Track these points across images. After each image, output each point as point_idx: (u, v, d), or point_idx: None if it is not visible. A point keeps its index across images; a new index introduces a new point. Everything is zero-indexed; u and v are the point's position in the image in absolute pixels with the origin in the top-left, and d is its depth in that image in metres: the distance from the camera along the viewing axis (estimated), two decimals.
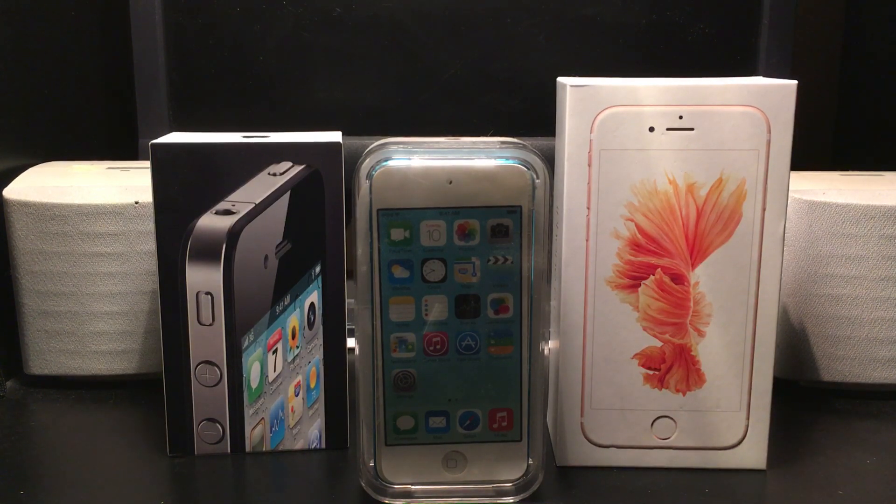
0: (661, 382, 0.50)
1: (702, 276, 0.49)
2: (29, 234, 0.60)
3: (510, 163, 0.43)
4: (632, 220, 0.48)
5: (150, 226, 0.60)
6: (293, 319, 0.51)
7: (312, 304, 0.52)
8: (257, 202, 0.49)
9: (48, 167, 0.66)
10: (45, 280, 0.60)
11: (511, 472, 0.47)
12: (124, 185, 0.61)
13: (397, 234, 0.43)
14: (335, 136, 0.51)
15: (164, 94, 0.72)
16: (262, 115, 0.74)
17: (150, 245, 0.60)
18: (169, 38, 0.72)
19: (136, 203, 0.60)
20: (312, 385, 0.53)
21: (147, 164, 0.62)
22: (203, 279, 0.48)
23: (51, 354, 0.61)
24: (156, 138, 0.50)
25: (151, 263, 0.60)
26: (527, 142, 0.44)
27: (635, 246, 0.48)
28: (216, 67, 0.73)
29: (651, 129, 0.47)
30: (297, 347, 0.52)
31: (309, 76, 0.73)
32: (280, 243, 0.50)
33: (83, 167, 0.66)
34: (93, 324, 0.61)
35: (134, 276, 0.60)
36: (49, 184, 0.61)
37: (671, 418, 0.50)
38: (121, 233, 0.60)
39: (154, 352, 0.61)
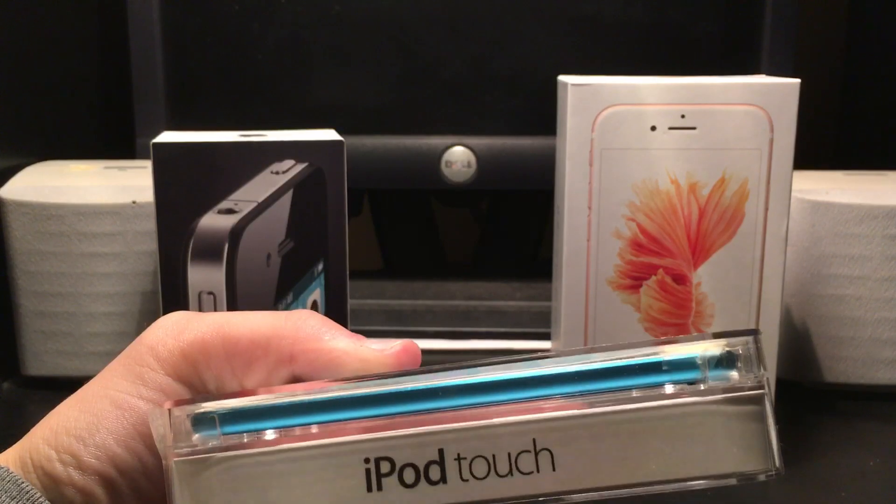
0: None
1: (704, 277, 0.48)
2: (26, 235, 0.59)
3: None
4: (633, 220, 0.48)
5: (148, 226, 0.59)
6: None
7: (315, 302, 0.51)
8: (260, 201, 0.48)
9: (45, 167, 0.66)
10: (42, 280, 0.60)
11: None
12: (121, 184, 0.61)
13: None
14: (332, 135, 0.51)
15: (162, 92, 0.72)
16: (259, 114, 0.74)
17: (148, 245, 0.60)
18: (166, 37, 0.72)
19: (134, 203, 0.59)
20: None
21: (144, 163, 0.62)
22: (205, 279, 0.48)
23: (48, 355, 0.61)
24: (153, 137, 0.49)
25: (149, 264, 0.60)
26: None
27: (637, 246, 0.48)
28: (214, 66, 0.73)
29: (653, 129, 0.47)
30: None
31: (307, 75, 0.73)
32: (283, 241, 0.50)
33: (80, 167, 0.66)
34: (90, 324, 0.60)
35: (131, 277, 0.60)
36: (46, 184, 0.61)
37: None
38: (118, 233, 0.59)
39: None
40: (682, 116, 0.47)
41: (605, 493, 0.26)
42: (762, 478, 0.26)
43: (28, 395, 0.61)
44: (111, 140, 0.80)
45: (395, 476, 0.26)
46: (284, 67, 0.73)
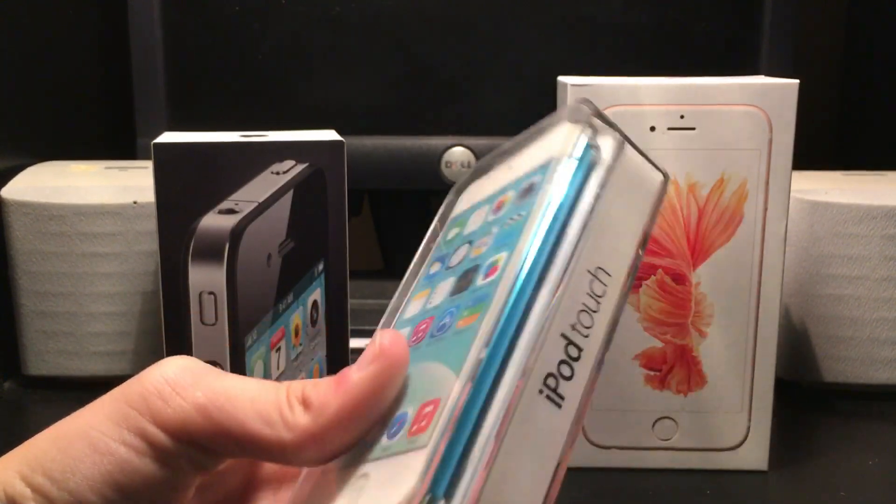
0: (662, 383, 0.50)
1: (703, 277, 0.48)
2: (27, 235, 0.59)
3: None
4: None
5: (149, 226, 0.59)
6: (296, 317, 0.51)
7: (315, 302, 0.51)
8: (260, 201, 0.49)
9: (46, 167, 0.66)
10: (44, 280, 0.60)
11: None
12: (122, 184, 0.61)
13: (452, 232, 0.37)
14: (332, 135, 0.51)
15: (162, 93, 0.72)
16: (260, 114, 0.74)
17: (149, 245, 0.60)
18: (167, 37, 0.72)
19: (135, 203, 0.59)
20: None
21: (145, 163, 0.62)
22: (206, 279, 0.48)
23: (49, 355, 0.61)
24: (154, 138, 0.49)
25: (150, 264, 0.60)
26: None
27: None
28: (214, 66, 0.73)
29: (652, 129, 0.47)
30: (301, 345, 0.52)
31: (307, 75, 0.73)
32: (283, 242, 0.50)
33: (81, 167, 0.66)
34: (91, 324, 0.60)
35: (132, 277, 0.60)
36: (47, 184, 0.61)
37: (672, 419, 0.50)
38: (119, 233, 0.59)
39: (153, 353, 0.61)
40: (682, 117, 0.47)
41: (634, 265, 0.30)
42: (666, 182, 0.31)
43: (29, 395, 0.62)
44: (112, 140, 0.81)
45: (561, 380, 0.27)
46: (284, 67, 0.73)
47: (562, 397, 0.27)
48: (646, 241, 0.30)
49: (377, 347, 0.28)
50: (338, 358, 0.52)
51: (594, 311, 0.28)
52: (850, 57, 0.92)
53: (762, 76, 0.52)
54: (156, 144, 0.48)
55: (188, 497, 0.29)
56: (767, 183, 0.47)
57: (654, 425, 0.50)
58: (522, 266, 0.28)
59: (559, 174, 0.29)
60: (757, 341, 0.49)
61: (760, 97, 0.47)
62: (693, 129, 0.47)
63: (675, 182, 0.48)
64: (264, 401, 0.28)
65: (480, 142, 0.72)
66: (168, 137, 0.50)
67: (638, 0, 0.71)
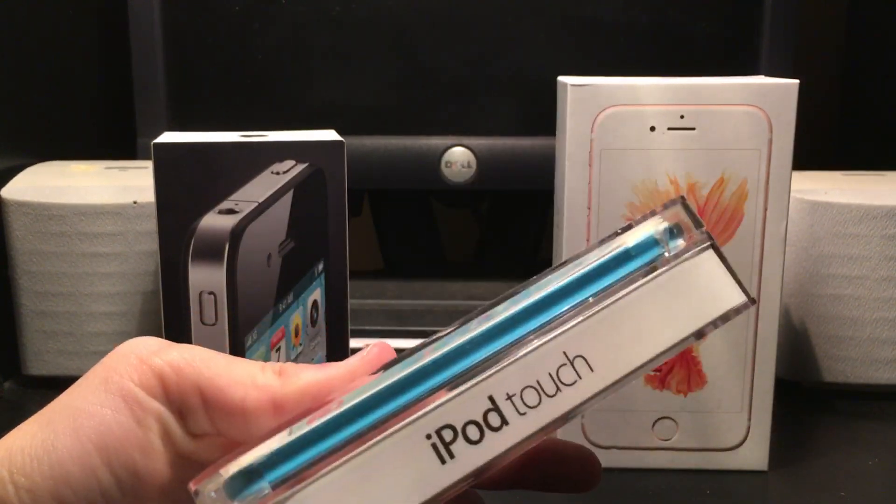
0: (662, 383, 0.50)
1: None
2: (27, 235, 0.59)
3: None
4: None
5: (149, 226, 0.59)
6: (296, 317, 0.51)
7: (315, 302, 0.51)
8: (260, 201, 0.49)
9: (46, 167, 0.66)
10: (44, 280, 0.60)
11: None
12: (122, 184, 0.61)
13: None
14: (332, 135, 0.51)
15: (163, 93, 0.72)
16: (260, 114, 0.74)
17: (149, 245, 0.60)
18: (167, 37, 0.72)
19: (135, 203, 0.60)
20: None
21: (145, 163, 0.62)
22: (206, 279, 0.48)
23: (49, 355, 0.61)
24: (154, 137, 0.49)
25: (150, 264, 0.60)
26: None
27: None
28: (214, 66, 0.73)
29: (652, 129, 0.47)
30: (301, 345, 0.52)
31: (307, 75, 0.73)
32: (283, 242, 0.50)
33: (81, 167, 0.66)
34: (91, 324, 0.60)
35: (132, 277, 0.60)
36: (47, 184, 0.61)
37: (672, 419, 0.50)
38: (119, 233, 0.60)
39: None
40: (682, 117, 0.47)
41: (640, 370, 0.28)
42: (748, 307, 0.29)
43: (29, 395, 0.62)
44: (112, 140, 0.81)
45: (460, 439, 0.26)
46: (284, 67, 0.73)
47: (451, 455, 0.26)
48: (674, 351, 0.28)
49: (366, 350, 0.30)
50: (338, 358, 0.52)
51: (547, 395, 0.27)
52: (850, 57, 0.92)
53: (762, 76, 0.52)
54: (156, 144, 0.48)
55: (161, 472, 0.29)
56: (767, 183, 0.47)
57: (654, 425, 0.50)
58: (490, 317, 0.28)
59: (606, 256, 0.29)
60: (757, 341, 0.49)
61: (760, 97, 0.47)
62: (693, 129, 0.47)
63: (675, 182, 0.48)
64: (240, 367, 0.29)
65: (480, 142, 0.73)
66: (168, 137, 0.50)
67: (638, 0, 0.71)
